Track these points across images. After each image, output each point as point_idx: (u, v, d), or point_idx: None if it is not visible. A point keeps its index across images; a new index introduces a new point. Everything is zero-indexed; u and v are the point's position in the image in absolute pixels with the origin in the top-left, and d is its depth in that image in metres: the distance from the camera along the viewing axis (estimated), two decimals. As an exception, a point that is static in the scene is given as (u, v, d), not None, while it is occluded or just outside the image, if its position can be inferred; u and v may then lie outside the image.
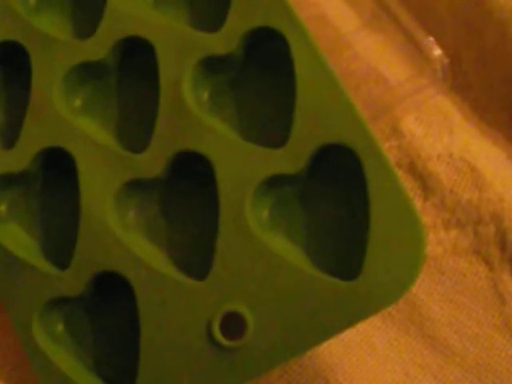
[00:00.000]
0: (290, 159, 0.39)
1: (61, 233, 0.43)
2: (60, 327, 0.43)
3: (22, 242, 0.43)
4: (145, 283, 0.40)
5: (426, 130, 0.45)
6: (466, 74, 0.46)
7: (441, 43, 0.43)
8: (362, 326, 0.42)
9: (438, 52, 0.43)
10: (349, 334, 0.42)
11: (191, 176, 0.42)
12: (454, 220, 0.44)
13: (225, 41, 0.41)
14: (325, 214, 0.41)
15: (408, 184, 0.44)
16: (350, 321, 0.38)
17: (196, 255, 0.41)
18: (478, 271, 0.44)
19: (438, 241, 0.44)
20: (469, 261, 0.44)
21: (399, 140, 0.45)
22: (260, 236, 0.39)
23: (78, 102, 0.44)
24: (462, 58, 0.46)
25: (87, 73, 0.43)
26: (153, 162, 0.41)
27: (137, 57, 0.43)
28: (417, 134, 0.45)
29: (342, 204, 0.40)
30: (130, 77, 0.44)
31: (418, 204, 0.44)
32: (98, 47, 0.43)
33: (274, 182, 0.40)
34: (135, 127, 0.43)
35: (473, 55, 0.47)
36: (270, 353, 0.39)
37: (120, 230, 0.41)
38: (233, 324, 0.39)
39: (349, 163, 0.39)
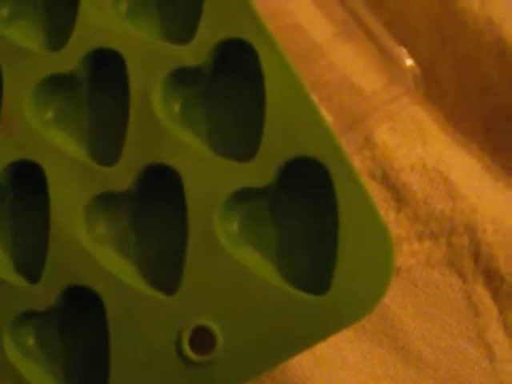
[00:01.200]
0: (258, 172, 0.39)
1: (31, 246, 0.43)
2: (31, 341, 0.42)
3: (-7, 254, 0.43)
4: (114, 297, 0.40)
5: (400, 141, 0.45)
6: (441, 83, 0.46)
7: (414, 53, 0.43)
8: (333, 340, 0.42)
9: (409, 62, 0.42)
10: (320, 348, 0.42)
11: (161, 189, 0.41)
12: (427, 231, 0.44)
13: (195, 52, 0.41)
14: (295, 227, 0.40)
15: (381, 195, 0.44)
16: (321, 335, 0.38)
17: (166, 269, 0.41)
18: (451, 283, 0.43)
19: (412, 252, 0.44)
20: (442, 272, 0.44)
21: (372, 151, 0.44)
22: (229, 250, 0.39)
23: (49, 114, 0.43)
24: (436, 67, 0.46)
25: (58, 84, 0.43)
26: (123, 175, 0.40)
27: (108, 69, 0.43)
28: (390, 145, 0.44)
29: (311, 217, 0.40)
30: (101, 89, 0.43)
31: (391, 215, 0.44)
32: (69, 59, 0.42)
33: (242, 196, 0.40)
34: (106, 140, 0.43)
35: (447, 65, 0.46)
36: (240, 367, 0.39)
37: (90, 244, 0.41)
38: (202, 339, 0.39)
39: (318, 176, 0.39)
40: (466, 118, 0.46)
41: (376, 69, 0.44)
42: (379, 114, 0.44)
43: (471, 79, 0.46)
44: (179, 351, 0.39)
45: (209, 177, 0.39)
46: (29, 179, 0.42)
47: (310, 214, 0.40)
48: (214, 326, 0.39)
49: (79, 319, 0.42)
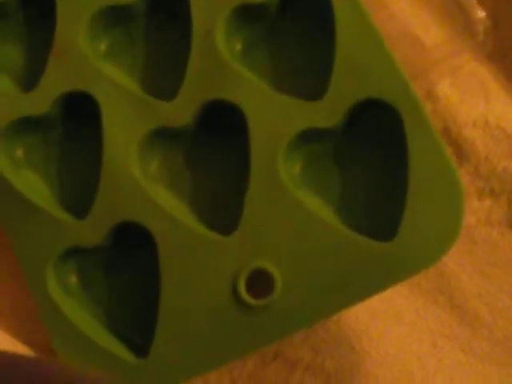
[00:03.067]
0: (326, 113, 0.38)
1: (79, 182, 0.41)
2: (74, 279, 0.41)
3: (38, 189, 0.41)
4: (168, 236, 0.38)
5: (462, 96, 0.43)
6: (503, 42, 0.45)
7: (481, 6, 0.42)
8: (388, 294, 0.40)
9: (481, 14, 0.41)
10: (376, 302, 0.41)
11: (220, 128, 0.40)
12: (488, 189, 0.43)
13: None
14: (360, 172, 0.39)
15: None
16: (383, 284, 0.37)
17: (221, 210, 0.39)
18: (510, 243, 0.42)
19: (472, 210, 0.42)
20: (502, 232, 0.42)
21: (434, 104, 0.43)
22: (292, 191, 0.38)
23: (103, 47, 0.42)
24: (499, 24, 0.45)
25: (114, 17, 0.41)
26: (181, 111, 0.39)
27: (169, 3, 0.41)
28: (452, 100, 0.43)
29: (378, 163, 0.39)
30: (159, 23, 0.42)
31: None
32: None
33: (308, 136, 0.38)
34: (163, 75, 0.41)
35: (511, 21, 0.45)
36: (296, 314, 0.37)
37: (143, 180, 0.39)
38: (259, 282, 0.37)
39: (388, 121, 0.38)
40: (527, 79, 0.45)
41: (441, 21, 0.42)
42: (441, 68, 0.43)
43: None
44: (235, 294, 0.37)
45: (274, 115, 0.38)
46: (80, 112, 0.41)
47: (377, 160, 0.39)
48: (273, 270, 0.37)
49: (126, 259, 0.41)
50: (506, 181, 0.42)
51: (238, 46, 0.41)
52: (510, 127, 0.43)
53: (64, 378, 0.28)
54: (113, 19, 0.41)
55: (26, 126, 0.41)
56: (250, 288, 0.37)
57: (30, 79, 0.42)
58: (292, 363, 0.41)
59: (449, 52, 0.43)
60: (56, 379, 0.28)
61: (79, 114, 0.41)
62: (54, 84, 0.40)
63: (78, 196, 0.41)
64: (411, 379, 0.41)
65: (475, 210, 0.42)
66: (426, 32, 0.43)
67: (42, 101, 0.40)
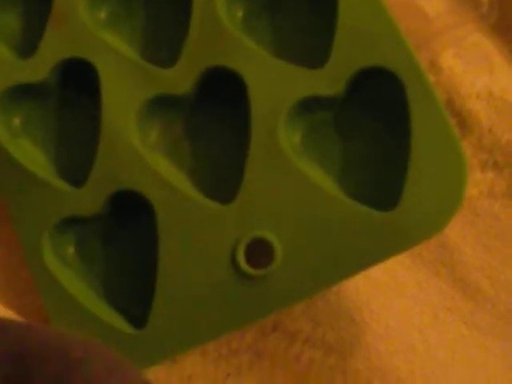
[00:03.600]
0: (328, 80, 0.37)
1: (77, 150, 0.41)
2: (71, 250, 0.40)
3: (35, 157, 0.41)
4: (166, 205, 0.38)
5: (466, 67, 0.43)
6: (509, 16, 0.44)
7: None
8: (390, 265, 0.40)
9: (486, -16, 0.41)
10: (377, 273, 0.40)
11: (220, 95, 0.39)
12: (491, 161, 0.42)
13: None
14: (361, 142, 0.38)
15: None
16: (384, 254, 0.36)
17: (221, 179, 0.39)
18: (513, 216, 0.42)
19: (474, 182, 0.42)
20: (505, 205, 0.42)
21: (438, 75, 0.42)
22: (293, 160, 0.37)
23: (102, 14, 0.41)
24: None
25: (114, -16, 0.41)
26: (181, 78, 0.38)
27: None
28: (456, 71, 0.43)
29: (380, 132, 0.38)
30: (159, -10, 0.42)
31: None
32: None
33: (309, 104, 0.38)
34: (163, 43, 0.40)
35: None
36: (297, 284, 0.37)
37: (142, 149, 0.39)
38: (259, 252, 0.37)
39: (391, 90, 0.37)
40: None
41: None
42: (444, 39, 0.42)
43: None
44: (234, 264, 0.37)
45: (275, 82, 0.37)
46: (78, 80, 0.40)
47: (379, 130, 0.38)
48: (273, 239, 0.37)
49: (124, 228, 0.40)
50: (509, 153, 0.42)
51: (239, 14, 0.40)
52: (513, 99, 0.42)
53: (55, 341, 0.28)
54: (113, -14, 0.41)
55: (24, 93, 0.40)
56: (249, 258, 0.37)
57: (27, 46, 0.41)
58: (291, 335, 0.40)
59: (452, 22, 0.42)
60: (47, 342, 0.27)
61: (77, 82, 0.40)
62: (52, 51, 0.40)
63: (76, 165, 0.40)
64: (412, 352, 0.40)
65: (478, 182, 0.42)
66: (429, 2, 0.43)
67: (39, 68, 0.40)
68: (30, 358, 0.27)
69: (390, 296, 0.41)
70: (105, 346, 0.29)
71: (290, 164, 0.37)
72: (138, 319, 0.38)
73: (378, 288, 0.41)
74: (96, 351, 0.28)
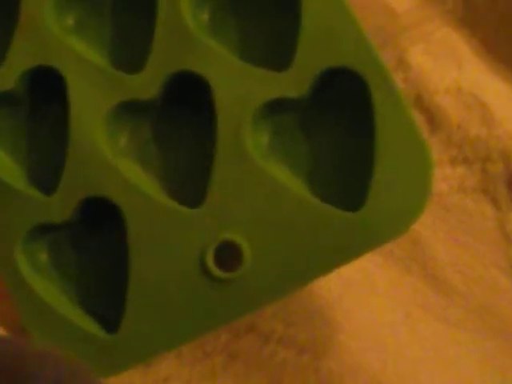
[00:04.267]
0: (293, 82, 0.37)
1: (47, 157, 0.41)
2: (44, 257, 0.40)
3: (5, 166, 0.41)
4: (136, 210, 0.38)
5: (434, 63, 0.43)
6: (476, 8, 0.44)
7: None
8: (362, 264, 0.40)
9: (450, -20, 0.41)
10: (349, 271, 0.40)
11: (187, 100, 0.39)
12: (460, 156, 0.42)
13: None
14: (328, 142, 0.38)
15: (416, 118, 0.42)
16: (353, 253, 0.37)
17: (190, 183, 0.39)
18: (484, 211, 0.42)
19: (444, 177, 0.42)
20: (475, 199, 0.42)
21: (406, 72, 0.42)
22: (260, 162, 0.37)
23: (70, 21, 0.41)
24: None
25: (79, -9, 0.41)
26: (148, 83, 0.38)
27: (133, -26, 0.41)
28: (424, 67, 0.43)
29: (345, 133, 0.38)
30: (124, -4, 0.42)
31: (423, 139, 0.42)
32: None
33: (275, 107, 0.38)
34: (129, 48, 0.40)
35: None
36: (267, 286, 0.37)
37: (111, 155, 0.39)
38: (228, 255, 0.37)
39: (355, 90, 0.37)
40: (501, 45, 0.44)
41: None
42: (411, 34, 0.42)
43: (508, 6, 0.44)
44: (203, 267, 0.37)
45: (240, 85, 0.37)
46: (46, 88, 0.40)
47: (345, 130, 0.38)
48: (242, 241, 0.37)
49: (96, 234, 0.40)
50: (478, 148, 0.42)
51: (205, 16, 0.40)
52: (482, 94, 0.42)
53: (11, 355, 0.28)
54: (78, -7, 0.41)
55: (-8, 102, 0.41)
56: (219, 261, 0.37)
57: (-4, 56, 0.41)
58: (265, 336, 0.41)
59: (419, 18, 0.42)
60: (3, 356, 0.28)
61: (46, 90, 0.40)
62: (20, 60, 0.40)
63: (46, 172, 0.40)
64: (385, 349, 0.40)
65: (448, 178, 0.42)
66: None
67: (7, 76, 0.40)
68: None
69: (362, 294, 0.41)
70: (69, 359, 0.29)
71: (256, 166, 0.37)
72: (112, 324, 0.38)
73: (350, 286, 0.41)
74: (54, 365, 0.28)
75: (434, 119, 0.42)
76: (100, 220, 0.40)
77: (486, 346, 0.41)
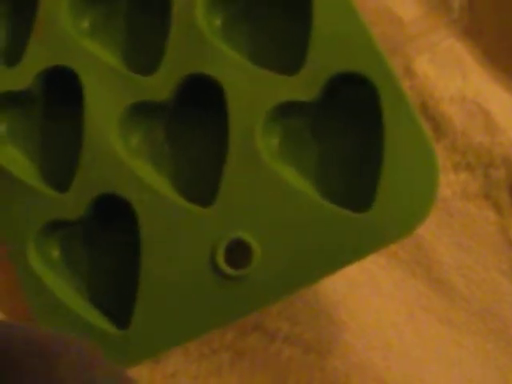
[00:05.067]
0: (303, 86, 0.38)
1: (61, 156, 0.42)
2: (56, 253, 0.41)
3: (20, 163, 0.42)
4: (148, 208, 0.39)
5: (439, 72, 0.44)
6: (480, 19, 0.45)
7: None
8: (367, 265, 0.41)
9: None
10: (353, 272, 0.41)
11: (199, 102, 0.40)
12: (464, 163, 0.43)
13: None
14: (336, 145, 0.39)
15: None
16: (359, 253, 0.37)
17: (201, 182, 0.40)
18: (487, 216, 0.43)
19: (448, 183, 0.43)
20: (478, 205, 0.43)
21: (412, 80, 0.44)
22: (270, 163, 0.38)
23: (85, 24, 0.42)
24: (475, 2, 0.45)
25: (96, -6, 0.42)
26: (161, 85, 0.39)
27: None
28: (430, 75, 0.44)
29: (354, 136, 0.39)
30: (140, 1, 0.42)
31: (428, 145, 0.43)
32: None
33: (286, 110, 0.39)
34: (144, 51, 0.42)
35: (487, 1, 0.46)
36: (275, 283, 0.38)
37: (125, 154, 0.40)
38: (238, 253, 0.38)
39: (364, 94, 0.38)
40: (504, 55, 0.45)
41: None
42: (418, 44, 0.43)
43: (510, 17, 0.45)
44: (213, 265, 0.38)
45: (252, 88, 0.38)
46: (62, 88, 0.41)
47: (353, 133, 0.39)
48: (251, 240, 0.38)
49: (108, 232, 0.41)
50: (481, 155, 0.43)
51: (218, 22, 0.41)
52: (485, 102, 0.43)
53: (37, 338, 0.29)
54: (94, -3, 0.42)
55: (9, 101, 0.41)
56: (229, 259, 0.38)
57: (12, 55, 0.42)
58: (271, 334, 0.42)
59: (426, 27, 0.43)
60: (30, 339, 0.29)
61: (61, 90, 0.41)
62: (36, 60, 0.41)
63: (60, 170, 0.41)
64: (389, 349, 0.41)
65: (451, 183, 0.43)
66: (403, 8, 0.44)
67: (23, 76, 0.41)
68: (15, 353, 0.28)
69: (367, 295, 0.42)
70: (87, 341, 0.30)
71: (267, 167, 0.38)
72: (122, 320, 0.39)
73: (355, 287, 0.42)
74: (77, 346, 0.29)
75: (438, 126, 0.43)
76: (112, 218, 0.41)
77: (488, 347, 0.42)
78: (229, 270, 0.38)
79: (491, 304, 0.42)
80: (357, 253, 0.37)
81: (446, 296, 0.42)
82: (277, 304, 0.40)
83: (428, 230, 0.42)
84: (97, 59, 0.40)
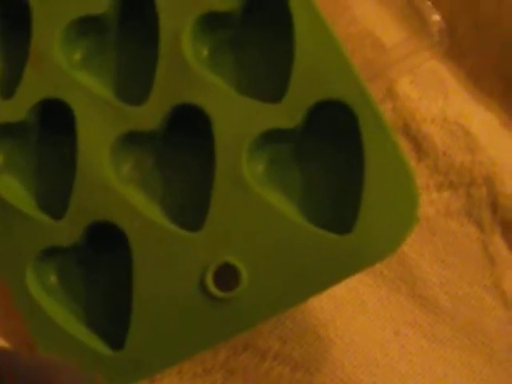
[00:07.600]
0: (287, 114, 0.40)
1: (57, 185, 0.43)
2: (53, 278, 0.43)
3: (17, 192, 0.43)
4: (139, 233, 0.40)
5: (421, 93, 0.45)
6: (461, 41, 0.47)
7: (437, 9, 0.44)
8: (353, 284, 0.43)
9: (436, 17, 0.43)
10: (340, 291, 0.43)
11: (188, 130, 0.42)
12: (446, 182, 0.45)
13: (224, -2, 0.42)
14: (320, 170, 0.41)
15: (402, 146, 0.45)
16: (343, 274, 0.39)
17: (191, 208, 0.41)
18: (469, 233, 0.44)
19: (431, 202, 0.44)
20: (460, 222, 0.44)
21: (394, 102, 0.45)
22: (256, 189, 0.40)
23: (77, 56, 0.44)
24: (457, 25, 0.47)
25: (87, 27, 0.43)
26: (150, 115, 0.41)
27: (137, 12, 0.43)
28: (411, 97, 0.45)
29: (336, 160, 0.41)
30: (130, 31, 0.44)
31: (411, 166, 0.45)
32: (99, 2, 0.43)
33: (270, 137, 0.40)
34: (134, 82, 0.43)
35: (468, 23, 0.47)
36: (263, 304, 0.39)
37: (116, 182, 0.41)
38: (226, 276, 0.39)
39: (345, 120, 0.40)
40: (486, 76, 0.47)
41: (401, 22, 0.44)
42: (400, 67, 0.44)
43: (492, 38, 0.47)
44: (203, 287, 0.39)
45: (237, 117, 0.40)
46: (56, 119, 0.43)
47: (336, 158, 0.40)
48: (239, 263, 0.39)
49: (102, 257, 0.43)
50: (463, 174, 0.44)
51: (205, 52, 0.43)
52: (467, 123, 0.45)
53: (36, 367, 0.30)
54: (85, 29, 0.43)
55: (5, 132, 0.43)
56: (219, 281, 0.39)
57: (7, 88, 0.43)
58: (262, 353, 0.43)
59: (407, 51, 0.44)
60: (29, 367, 0.30)
61: (55, 120, 0.43)
62: (31, 92, 0.42)
63: (55, 198, 0.43)
64: (375, 365, 0.42)
65: (434, 202, 0.44)
66: (385, 33, 0.45)
67: (19, 108, 0.42)
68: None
69: (353, 313, 0.43)
70: (84, 369, 0.31)
71: (253, 193, 0.39)
72: (117, 341, 0.41)
73: (342, 306, 0.43)
74: (70, 372, 0.30)
75: (420, 147, 0.45)
76: (106, 243, 0.42)
77: (472, 362, 0.43)
78: (218, 293, 0.39)
79: (475, 319, 0.43)
80: (342, 273, 0.39)
81: (431, 312, 0.43)
82: (268, 323, 0.42)
83: (412, 248, 0.44)
84: (88, 91, 0.42)
